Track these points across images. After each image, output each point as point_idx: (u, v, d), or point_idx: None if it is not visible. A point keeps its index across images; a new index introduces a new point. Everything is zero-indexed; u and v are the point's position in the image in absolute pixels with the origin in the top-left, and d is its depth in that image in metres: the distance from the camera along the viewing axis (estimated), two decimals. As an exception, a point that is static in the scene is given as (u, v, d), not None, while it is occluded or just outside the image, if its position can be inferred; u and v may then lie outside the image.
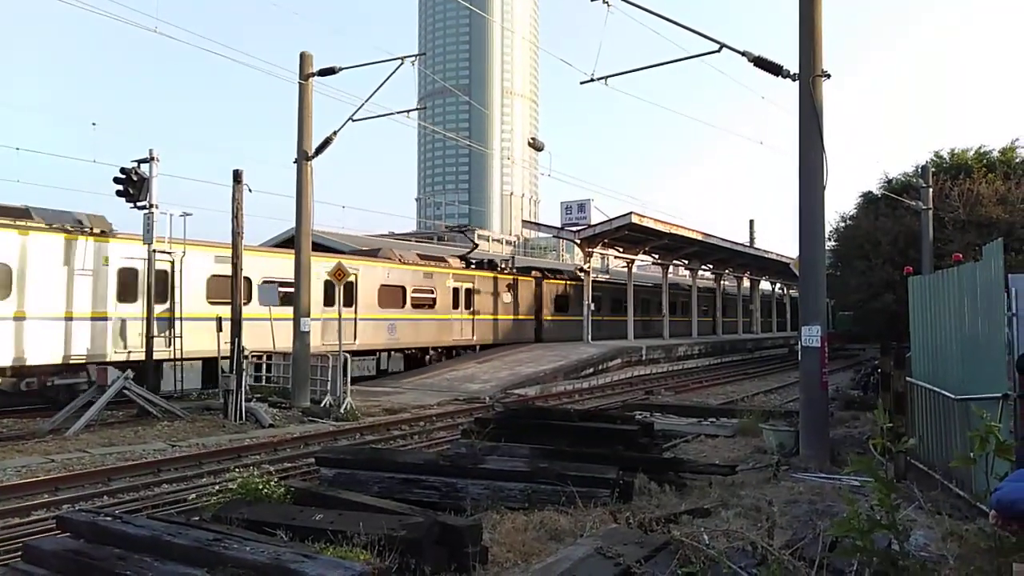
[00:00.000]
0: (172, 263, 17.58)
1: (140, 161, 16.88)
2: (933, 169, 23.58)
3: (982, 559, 3.60)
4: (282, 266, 19.34)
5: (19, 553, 6.04)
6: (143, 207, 16.73)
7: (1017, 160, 24.71)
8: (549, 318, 32.50)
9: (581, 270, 32.02)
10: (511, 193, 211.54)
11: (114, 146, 22.93)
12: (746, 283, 47.53)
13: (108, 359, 16.05)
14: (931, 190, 21.95)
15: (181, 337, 17.39)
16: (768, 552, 4.44)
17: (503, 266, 31.83)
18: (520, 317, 30.59)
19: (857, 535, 3.57)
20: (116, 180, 16.77)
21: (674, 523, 6.54)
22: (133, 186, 16.71)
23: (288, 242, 23.91)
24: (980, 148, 26.19)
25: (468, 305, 27.33)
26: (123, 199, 16.79)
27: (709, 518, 6.91)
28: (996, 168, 24.00)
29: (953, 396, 7.88)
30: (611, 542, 5.38)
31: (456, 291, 26.75)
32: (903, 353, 10.22)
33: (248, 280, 18.42)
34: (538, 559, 5.67)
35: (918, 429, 9.04)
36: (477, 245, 33.65)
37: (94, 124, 31.40)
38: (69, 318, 15.57)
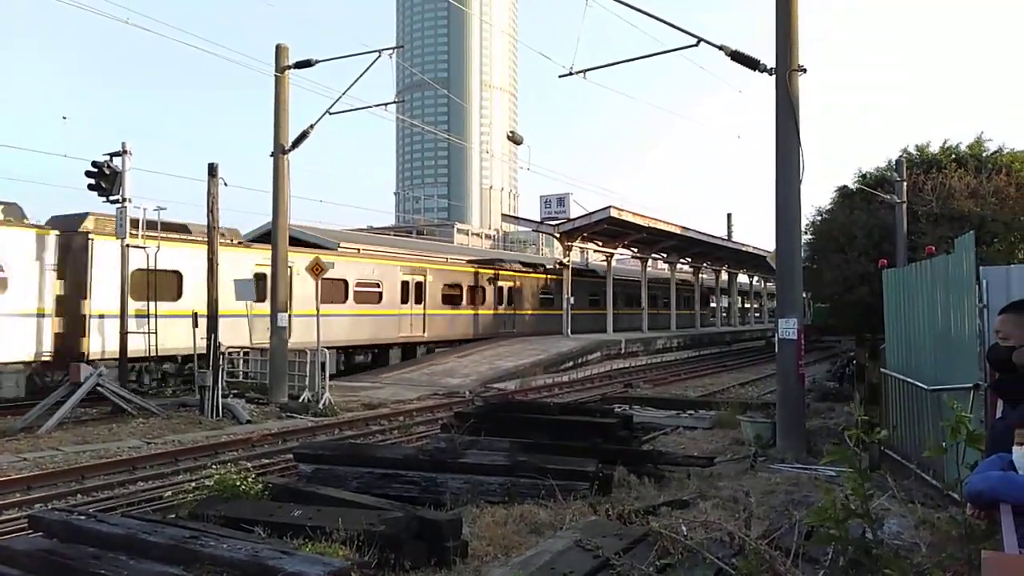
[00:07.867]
0: None
1: (112, 155, 16.63)
2: (906, 163, 23.87)
3: (953, 546, 3.65)
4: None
5: (-10, 553, 5.94)
6: (115, 201, 16.49)
7: (985, 154, 25.03)
8: (435, 312, 26.81)
9: (561, 263, 32.07)
10: (490, 187, 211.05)
11: (86, 140, 22.46)
12: (724, 276, 47.95)
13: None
14: (905, 184, 22.23)
15: None
16: (746, 542, 4.49)
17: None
18: (381, 312, 24.29)
19: (832, 524, 3.62)
20: (88, 174, 16.51)
21: (653, 515, 6.58)
22: (106, 180, 16.46)
23: (264, 236, 23.63)
24: (945, 143, 26.48)
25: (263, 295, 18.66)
26: (95, 193, 16.55)
27: (687, 509, 6.97)
28: (967, 163, 24.32)
29: (926, 387, 8.00)
30: (590, 534, 5.40)
31: (259, 277, 19.17)
32: (877, 345, 10.39)
33: None
34: (518, 552, 5.68)
35: (892, 419, 9.18)
36: None
37: (64, 118, 30.78)
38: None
